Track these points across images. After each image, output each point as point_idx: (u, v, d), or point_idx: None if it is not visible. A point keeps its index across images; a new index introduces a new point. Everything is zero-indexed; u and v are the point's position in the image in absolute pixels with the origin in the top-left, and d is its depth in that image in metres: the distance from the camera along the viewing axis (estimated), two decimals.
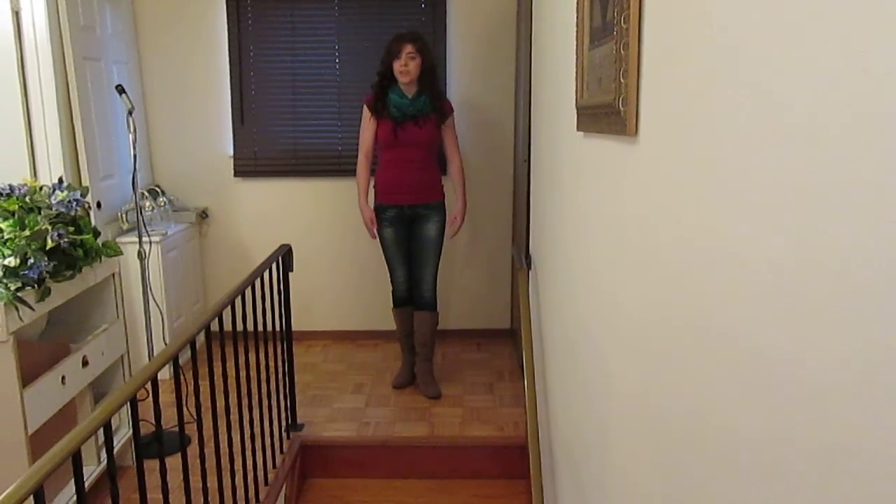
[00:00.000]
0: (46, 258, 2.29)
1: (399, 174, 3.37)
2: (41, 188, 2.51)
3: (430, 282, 3.49)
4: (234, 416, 2.40)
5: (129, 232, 3.61)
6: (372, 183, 3.47)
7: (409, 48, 3.22)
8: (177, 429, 2.01)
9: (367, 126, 3.40)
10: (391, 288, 3.58)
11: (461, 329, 4.31)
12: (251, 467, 2.56)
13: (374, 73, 3.39)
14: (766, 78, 0.73)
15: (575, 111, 1.76)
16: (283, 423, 3.08)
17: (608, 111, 1.34)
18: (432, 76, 3.33)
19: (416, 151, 3.33)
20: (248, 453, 2.56)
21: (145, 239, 3.14)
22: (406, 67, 3.22)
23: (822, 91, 0.62)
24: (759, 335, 0.74)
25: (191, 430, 2.14)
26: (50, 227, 2.34)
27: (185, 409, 2.02)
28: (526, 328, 2.81)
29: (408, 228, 3.46)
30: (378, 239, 3.48)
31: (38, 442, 2.24)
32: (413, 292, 3.53)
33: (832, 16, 0.61)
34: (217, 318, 2.23)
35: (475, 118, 4.07)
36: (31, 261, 2.23)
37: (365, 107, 3.39)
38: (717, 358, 0.86)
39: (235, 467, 2.41)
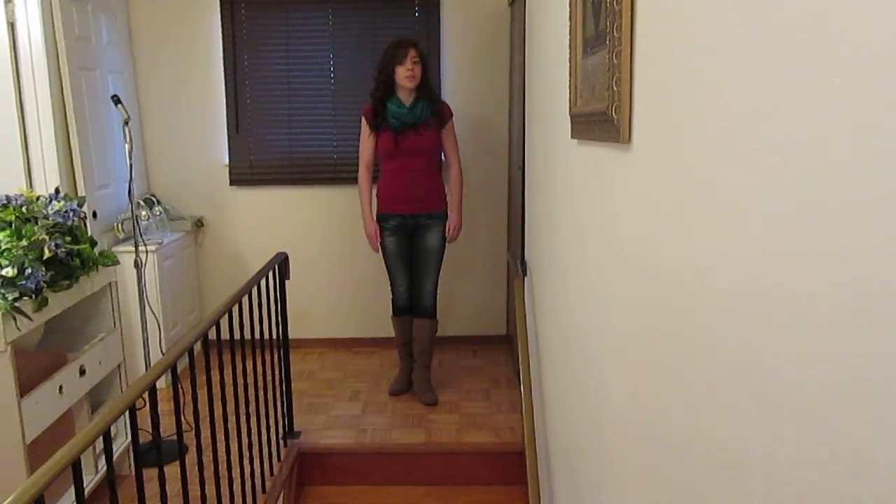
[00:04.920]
0: (43, 268, 2.30)
1: (401, 183, 3.36)
2: (38, 198, 2.52)
3: (430, 290, 3.49)
4: (232, 424, 2.41)
5: (124, 241, 3.62)
6: (374, 192, 3.47)
7: (413, 53, 3.21)
8: (174, 437, 2.02)
9: (367, 139, 3.39)
10: (391, 296, 3.58)
11: (457, 336, 4.32)
12: (249, 475, 2.56)
13: (369, 80, 3.39)
14: (758, 86, 0.74)
15: (569, 119, 1.78)
16: (281, 431, 3.09)
17: (601, 119, 1.35)
18: (429, 82, 3.34)
19: (418, 160, 3.33)
20: (246, 461, 2.56)
21: (141, 248, 3.14)
22: (412, 72, 3.21)
23: (815, 99, 0.64)
24: (754, 343, 0.75)
25: (188, 438, 2.14)
26: (47, 237, 2.34)
27: (182, 417, 2.02)
28: (522, 335, 2.83)
29: (410, 238, 3.46)
30: (379, 248, 3.49)
31: (36, 451, 2.24)
32: (413, 300, 3.54)
33: (826, 24, 0.62)
34: (214, 327, 2.23)
35: (470, 125, 4.09)
36: (29, 271, 2.23)
37: (363, 119, 3.39)
38: (712, 365, 0.87)
39: (233, 475, 2.41)
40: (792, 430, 0.67)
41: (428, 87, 3.32)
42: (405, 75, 3.21)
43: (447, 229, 3.46)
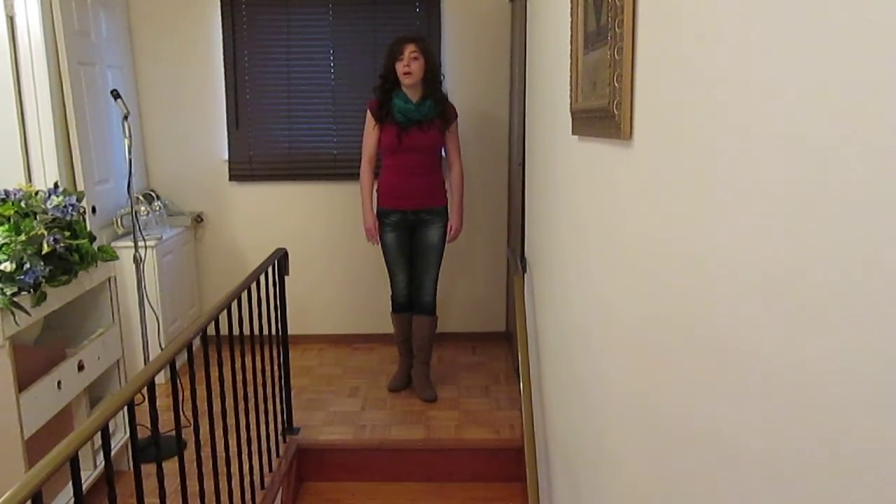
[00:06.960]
0: (42, 263, 2.29)
1: (403, 179, 3.36)
2: (37, 193, 2.51)
3: (430, 287, 3.49)
4: (231, 420, 2.40)
5: (123, 236, 3.61)
6: (375, 187, 3.47)
7: (411, 48, 3.20)
8: (173, 433, 2.01)
9: (371, 132, 3.38)
10: (391, 292, 3.58)
11: (457, 332, 4.32)
12: (247, 471, 2.56)
13: (369, 77, 3.39)
14: (761, 81, 0.74)
15: (569, 115, 1.78)
16: (280, 427, 3.09)
17: (603, 115, 1.35)
18: (435, 80, 3.32)
19: (420, 156, 3.33)
20: (245, 457, 2.56)
21: (140, 243, 3.14)
22: (409, 68, 3.19)
23: (819, 94, 0.63)
24: (754, 337, 0.75)
25: (187, 434, 2.14)
26: (46, 232, 2.34)
27: (181, 413, 2.02)
28: (522, 331, 2.82)
29: (410, 233, 3.45)
30: (379, 244, 3.48)
31: (34, 447, 2.24)
32: (413, 297, 3.54)
33: (829, 17, 0.62)
34: (213, 322, 2.23)
35: (470, 121, 4.08)
36: (28, 266, 2.23)
37: (368, 112, 3.38)
38: (713, 360, 0.87)
39: (232, 471, 2.41)
40: (794, 425, 0.67)
41: (435, 85, 3.30)
42: (402, 71, 3.20)
43: (448, 230, 3.45)
